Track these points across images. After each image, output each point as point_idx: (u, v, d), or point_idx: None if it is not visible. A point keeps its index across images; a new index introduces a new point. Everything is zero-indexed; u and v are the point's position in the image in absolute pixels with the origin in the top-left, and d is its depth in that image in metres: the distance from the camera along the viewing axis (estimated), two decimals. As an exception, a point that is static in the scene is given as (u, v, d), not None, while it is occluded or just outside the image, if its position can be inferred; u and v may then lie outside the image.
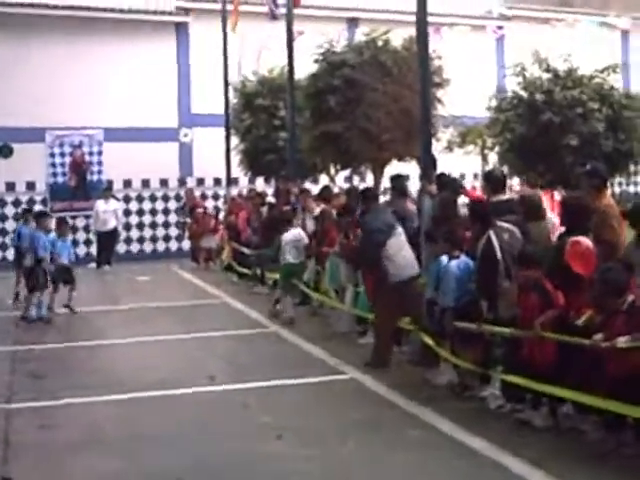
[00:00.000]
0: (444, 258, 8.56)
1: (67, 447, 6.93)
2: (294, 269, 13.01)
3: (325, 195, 14.17)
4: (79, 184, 24.58)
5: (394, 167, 17.53)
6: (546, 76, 18.04)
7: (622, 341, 5.98)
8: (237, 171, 23.57)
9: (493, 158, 20.35)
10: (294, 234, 13.12)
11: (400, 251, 9.55)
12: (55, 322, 13.77)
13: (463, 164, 22.68)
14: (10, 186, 24.35)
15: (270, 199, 18.60)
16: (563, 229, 7.61)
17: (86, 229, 24.27)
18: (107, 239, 21.02)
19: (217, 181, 25.53)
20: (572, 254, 6.67)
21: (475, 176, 25.02)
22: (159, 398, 8.51)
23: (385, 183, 16.26)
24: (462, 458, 6.33)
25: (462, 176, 23.56)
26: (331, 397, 8.41)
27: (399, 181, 11.96)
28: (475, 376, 8.09)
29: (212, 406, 8.24)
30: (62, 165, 24.72)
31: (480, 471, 6.05)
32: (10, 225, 23.61)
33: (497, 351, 7.75)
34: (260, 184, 23.51)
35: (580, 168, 9.88)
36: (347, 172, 20.27)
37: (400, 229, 9.74)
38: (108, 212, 21.37)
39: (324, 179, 20.31)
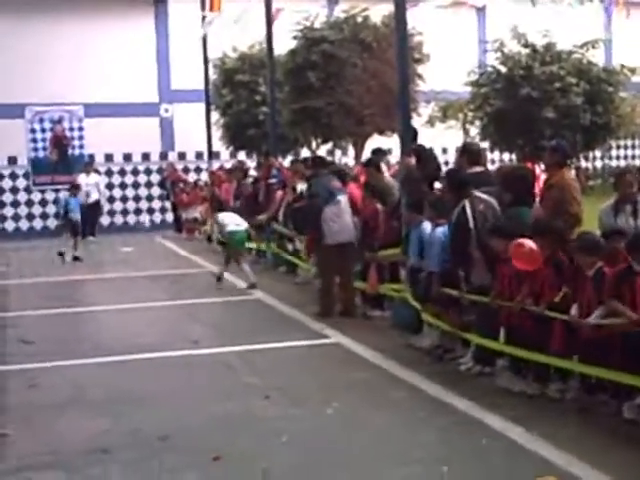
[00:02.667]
0: (426, 226, 8.71)
1: (55, 407, 7.06)
2: (240, 236, 13.48)
3: None
4: (60, 158, 24.69)
5: (375, 141, 17.69)
6: (525, 51, 18.22)
7: (594, 316, 6.19)
8: (219, 145, 23.70)
9: (474, 132, 20.55)
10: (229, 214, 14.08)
11: (337, 217, 10.42)
12: (43, 291, 13.91)
13: (445, 139, 22.85)
14: (-8, 160, 24.36)
15: (253, 173, 18.73)
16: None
17: (55, 202, 24.29)
18: (90, 211, 21.07)
19: (199, 155, 25.63)
20: (516, 255, 6.78)
21: (457, 150, 25.19)
22: (144, 361, 8.64)
23: (366, 156, 16.39)
24: (444, 416, 6.46)
25: (444, 150, 23.77)
26: (316, 360, 8.56)
27: (373, 157, 12.15)
28: (456, 340, 8.27)
29: (197, 368, 8.37)
30: (43, 140, 24.81)
31: (461, 428, 6.17)
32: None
33: (470, 317, 7.93)
34: (242, 158, 23.59)
35: (546, 143, 10.11)
36: (329, 146, 20.39)
37: (342, 197, 10.60)
38: (90, 185, 21.41)
39: (305, 153, 20.43)
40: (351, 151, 20.31)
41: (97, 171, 23.69)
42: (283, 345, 9.10)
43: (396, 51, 10.72)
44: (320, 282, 10.93)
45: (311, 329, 9.95)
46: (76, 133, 25.10)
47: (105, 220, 25.09)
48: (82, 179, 21.70)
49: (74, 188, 19.06)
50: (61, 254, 17.73)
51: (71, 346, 9.43)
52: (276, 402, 6.98)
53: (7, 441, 6.15)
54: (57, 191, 23.74)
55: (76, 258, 17.65)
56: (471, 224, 7.74)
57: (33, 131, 24.76)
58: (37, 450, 5.94)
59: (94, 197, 21.43)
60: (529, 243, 6.75)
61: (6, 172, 24.53)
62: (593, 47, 18.80)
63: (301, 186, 13.69)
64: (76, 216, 18.14)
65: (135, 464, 5.58)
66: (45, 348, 9.34)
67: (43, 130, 24.85)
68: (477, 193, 7.92)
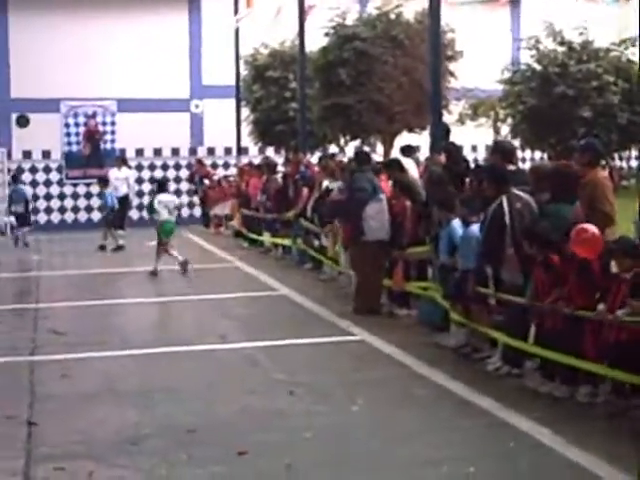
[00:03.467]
0: (457, 224, 8.70)
1: (86, 397, 7.16)
2: (170, 226, 14.82)
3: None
4: (93, 152, 24.93)
5: (404, 138, 17.69)
6: (561, 49, 18.07)
7: (622, 313, 6.17)
8: (247, 141, 23.80)
9: (505, 130, 20.44)
10: (168, 196, 15.34)
11: (378, 215, 10.41)
12: (73, 283, 14.08)
13: (475, 136, 22.76)
14: (27, 154, 24.66)
15: (280, 168, 18.80)
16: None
17: (100, 195, 24.54)
18: (119, 205, 21.25)
19: (227, 150, 25.74)
20: (578, 241, 6.67)
21: (487, 148, 25.11)
22: (172, 354, 8.72)
23: (395, 154, 16.41)
24: (469, 417, 6.44)
25: (474, 148, 23.71)
26: (341, 356, 8.58)
27: (393, 160, 12.17)
28: (484, 339, 8.26)
29: (223, 363, 8.44)
30: (76, 134, 25.07)
31: (488, 428, 6.16)
32: (27, 189, 23.93)
33: (498, 317, 7.92)
34: (270, 154, 23.70)
35: (576, 142, 10.03)
36: (357, 143, 20.41)
37: (383, 196, 10.59)
38: (120, 179, 21.51)
39: (334, 150, 20.47)
40: (380, 148, 20.31)
41: (128, 165, 23.83)
42: (309, 341, 9.15)
43: (429, 48, 10.74)
44: (355, 279, 10.90)
45: (337, 326, 9.98)
46: (108, 128, 25.33)
47: (134, 214, 25.26)
48: (113, 173, 21.83)
49: (102, 182, 19.74)
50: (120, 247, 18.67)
51: (101, 338, 9.54)
52: (301, 398, 7.02)
53: (38, 430, 6.24)
54: (88, 185, 24.00)
55: (119, 247, 18.81)
56: (507, 220, 7.71)
57: (67, 125, 25.03)
58: (67, 440, 6.02)
59: (123, 191, 21.52)
60: (592, 228, 6.62)
61: (40, 166, 24.83)
62: (632, 45, 18.58)
63: (328, 183, 13.77)
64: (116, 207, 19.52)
65: (163, 456, 5.64)
66: (75, 339, 9.47)
67: (77, 125, 25.11)
68: (515, 191, 7.88)
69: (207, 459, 5.62)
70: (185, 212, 25.96)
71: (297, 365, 8.22)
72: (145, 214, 25.34)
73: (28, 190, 21.30)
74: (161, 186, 15.66)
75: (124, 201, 21.55)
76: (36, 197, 24.63)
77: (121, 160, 22.63)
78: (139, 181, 25.32)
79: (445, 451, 5.71)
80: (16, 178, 20.99)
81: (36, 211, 24.62)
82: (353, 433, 6.17)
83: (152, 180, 25.26)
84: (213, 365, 8.37)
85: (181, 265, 14.33)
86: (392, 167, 11.36)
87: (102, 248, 18.90)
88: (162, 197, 15.05)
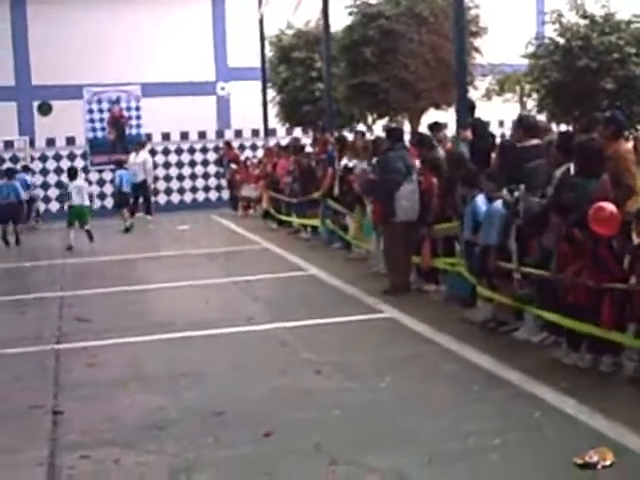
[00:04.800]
0: (480, 200, 8.60)
1: (112, 384, 7.13)
2: (80, 210, 17.06)
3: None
4: (118, 138, 24.96)
5: (431, 115, 17.54)
6: (583, 22, 17.84)
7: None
8: (274, 122, 23.73)
9: (531, 105, 20.23)
10: (79, 182, 17.50)
11: (409, 195, 10.31)
12: (100, 269, 14.12)
13: (502, 112, 22.54)
14: (50, 142, 24.71)
15: (309, 149, 18.72)
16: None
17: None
18: (138, 190, 21.32)
19: (255, 132, 25.71)
20: (595, 220, 6.59)
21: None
22: (199, 338, 8.69)
23: (422, 131, 16.26)
24: (497, 389, 6.43)
25: (501, 123, 23.48)
26: (369, 334, 8.52)
27: (424, 136, 12.02)
28: (511, 312, 8.20)
29: (251, 344, 8.41)
30: (101, 120, 25.10)
31: (515, 401, 6.14)
32: (52, 178, 24.10)
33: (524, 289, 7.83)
34: (298, 135, 23.62)
35: (599, 114, 9.86)
36: (384, 121, 20.26)
37: (415, 176, 10.48)
38: (137, 164, 21.54)
39: (361, 129, 20.32)
40: (407, 126, 20.15)
41: (151, 150, 23.90)
42: (337, 320, 9.10)
43: (453, 24, 10.58)
44: (386, 258, 10.80)
45: (365, 304, 9.92)
46: (133, 113, 25.35)
47: (162, 199, 25.43)
48: (131, 158, 21.84)
49: (116, 164, 20.86)
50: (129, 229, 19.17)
51: (127, 324, 9.53)
52: (330, 376, 6.98)
53: (64, 418, 6.23)
54: (114, 171, 24.04)
55: (126, 229, 19.63)
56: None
57: (91, 111, 25.05)
58: (93, 427, 5.99)
59: (140, 177, 21.55)
60: (609, 207, 6.55)
61: (64, 152, 24.90)
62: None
63: (347, 161, 13.68)
64: (125, 188, 20.41)
65: (190, 440, 5.60)
66: (101, 326, 9.45)
67: (101, 110, 25.13)
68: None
69: (235, 441, 5.58)
70: (213, 195, 26.02)
71: (326, 344, 8.18)
72: (174, 198, 25.62)
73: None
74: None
75: (142, 186, 21.57)
76: (61, 184, 24.71)
77: (140, 145, 22.66)
78: (166, 165, 25.38)
79: (472, 424, 5.67)
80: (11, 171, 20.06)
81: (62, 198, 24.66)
82: (382, 410, 6.14)
83: (179, 164, 25.39)
84: (241, 347, 8.33)
85: (68, 247, 16.50)
86: (421, 144, 11.26)
87: (127, 230, 19.62)
88: (75, 182, 17.13)
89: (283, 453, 5.34)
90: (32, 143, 24.39)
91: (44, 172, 24.68)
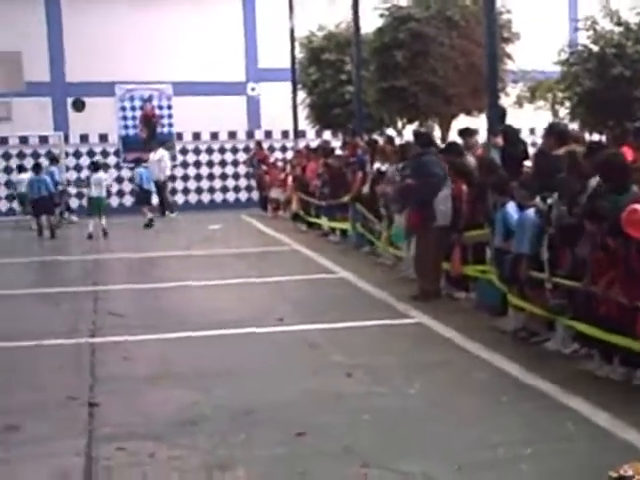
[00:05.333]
0: (511, 207, 8.61)
1: (145, 379, 7.24)
2: (99, 201, 18.91)
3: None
4: (150, 136, 25.14)
5: (461, 121, 17.55)
6: (617, 29, 17.76)
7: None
8: (304, 124, 23.81)
9: (564, 113, 20.17)
10: (100, 175, 19.27)
11: (444, 200, 10.30)
12: (132, 266, 14.28)
13: (534, 119, 22.49)
14: (84, 138, 24.97)
15: (338, 152, 18.80)
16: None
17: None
18: (158, 188, 21.54)
19: (285, 134, 25.81)
20: (629, 221, 6.55)
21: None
22: (230, 337, 8.79)
23: (452, 137, 16.29)
24: (528, 400, 6.40)
25: (532, 131, 23.43)
26: (399, 339, 8.57)
27: (453, 144, 12.05)
28: (542, 322, 8.20)
29: (281, 345, 8.47)
30: (133, 118, 25.32)
31: (546, 412, 6.11)
32: (85, 174, 24.30)
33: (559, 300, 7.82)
34: (327, 137, 23.73)
35: (631, 125, 9.85)
36: (414, 126, 20.28)
37: (449, 182, 10.45)
38: (153, 163, 21.68)
39: (391, 133, 20.37)
40: (437, 131, 20.16)
41: (182, 149, 24.10)
42: (367, 324, 9.15)
43: (484, 29, 10.62)
44: (420, 264, 10.74)
45: (395, 309, 9.97)
46: (165, 111, 25.55)
47: (192, 198, 25.63)
48: (151, 156, 21.99)
49: (136, 162, 21.46)
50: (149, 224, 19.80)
51: (159, 320, 9.67)
52: (359, 380, 7.02)
53: (99, 410, 6.35)
54: (133, 168, 24.20)
55: (147, 224, 20.34)
56: None
57: (123, 109, 25.30)
58: (128, 420, 6.11)
59: (156, 175, 21.68)
60: None
61: (97, 149, 25.16)
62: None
63: (379, 165, 13.73)
64: (146, 186, 21.13)
65: (222, 436, 5.69)
66: (134, 321, 9.60)
67: (133, 108, 25.36)
68: None
69: (266, 440, 5.65)
70: (243, 195, 26.16)
71: (355, 347, 8.23)
72: (204, 197, 25.78)
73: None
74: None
75: (158, 185, 21.72)
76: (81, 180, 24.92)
77: (159, 143, 22.85)
78: (197, 165, 25.57)
79: (502, 433, 5.68)
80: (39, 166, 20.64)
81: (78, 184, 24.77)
82: (411, 415, 6.18)
83: (210, 164, 25.57)
84: (271, 347, 8.41)
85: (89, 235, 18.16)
86: (450, 151, 11.30)
87: (147, 226, 20.35)
88: (95, 175, 19.00)
89: (315, 454, 5.40)
90: (66, 139, 24.65)
91: (78, 168, 24.94)
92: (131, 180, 24.21)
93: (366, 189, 14.33)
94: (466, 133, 12.56)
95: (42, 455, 5.47)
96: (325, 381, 7.04)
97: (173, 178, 25.42)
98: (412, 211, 10.83)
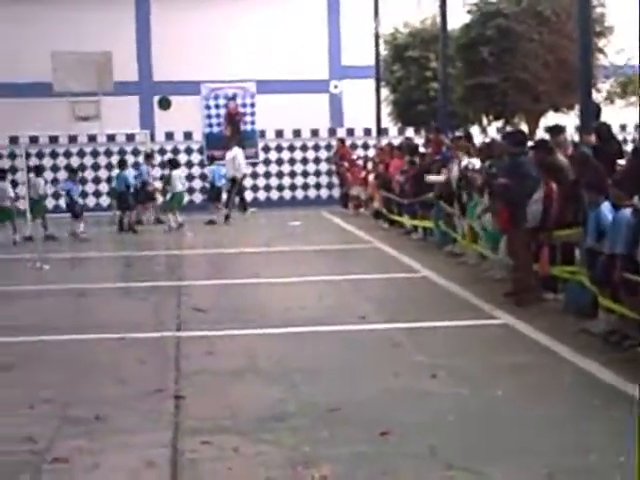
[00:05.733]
0: (605, 207, 8.37)
1: (230, 373, 7.28)
2: (181, 196, 20.41)
3: None
4: (233, 134, 25.36)
5: (549, 118, 17.25)
6: None
7: None
8: (386, 122, 23.73)
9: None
10: (180, 172, 20.60)
11: (537, 202, 10.00)
12: (214, 262, 14.40)
13: (625, 116, 21.96)
14: (169, 136, 25.33)
15: (421, 149, 18.65)
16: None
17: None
18: (231, 185, 21.68)
19: (367, 131, 25.76)
20: None
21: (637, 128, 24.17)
22: (312, 334, 8.77)
23: (540, 134, 16.03)
24: (620, 406, 6.18)
25: (623, 127, 22.89)
26: (484, 340, 8.43)
27: (541, 141, 11.79)
28: (635, 325, 7.94)
29: (364, 344, 8.42)
30: (217, 116, 25.59)
31: (640, 420, 5.95)
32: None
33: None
34: (410, 135, 23.60)
35: None
36: (499, 123, 20.02)
37: (542, 184, 10.13)
38: (228, 161, 21.81)
39: (475, 130, 20.13)
40: (523, 128, 19.84)
41: (264, 146, 24.25)
42: (451, 324, 9.03)
43: (578, 23, 10.36)
44: (515, 265, 10.46)
45: (479, 309, 9.82)
46: (248, 109, 25.74)
47: (274, 195, 25.78)
48: (227, 155, 22.05)
49: (210, 159, 21.88)
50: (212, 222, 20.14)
51: (242, 316, 9.70)
52: (444, 381, 6.93)
53: (184, 404, 6.39)
54: (206, 166, 24.38)
55: (210, 221, 20.69)
56: None
57: (208, 107, 25.60)
58: (213, 414, 6.13)
59: (230, 173, 21.80)
60: None
61: (182, 147, 25.50)
62: None
63: (467, 162, 13.56)
64: (218, 183, 21.47)
65: (306, 434, 5.67)
66: (218, 317, 9.67)
67: (217, 106, 25.64)
68: None
69: (350, 438, 5.60)
70: (324, 193, 26.19)
71: (439, 348, 8.13)
72: (286, 194, 25.91)
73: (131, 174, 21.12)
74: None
75: (233, 182, 21.84)
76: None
77: (235, 141, 23.02)
78: (279, 162, 25.72)
79: (594, 440, 5.51)
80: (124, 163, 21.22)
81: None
82: (498, 418, 6.05)
83: (292, 161, 25.68)
84: (354, 345, 8.36)
85: (179, 225, 19.57)
86: (539, 148, 11.03)
87: (211, 222, 20.66)
88: (176, 172, 20.23)
89: (398, 454, 5.33)
90: (152, 137, 25.03)
91: (163, 165, 25.31)
92: (203, 178, 24.46)
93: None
94: (554, 131, 12.27)
95: (128, 446, 5.52)
96: (409, 381, 6.96)
97: (253, 176, 25.63)
98: (502, 211, 10.58)
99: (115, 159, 24.94)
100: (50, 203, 22.12)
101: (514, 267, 10.50)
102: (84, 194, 24.09)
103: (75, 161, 24.92)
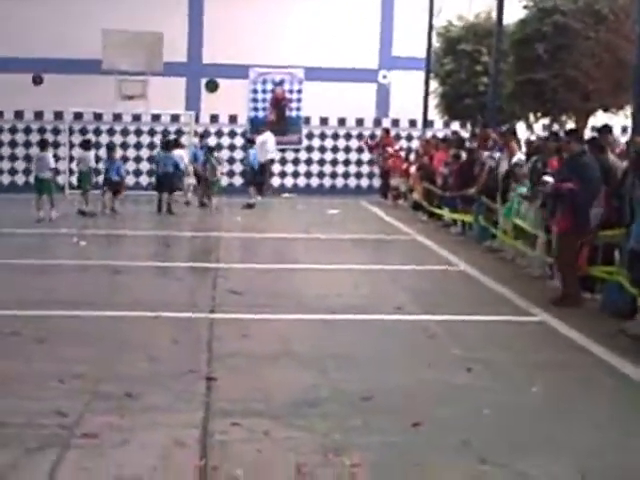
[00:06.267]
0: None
1: (263, 357, 7.26)
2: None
3: None
4: (278, 119, 25.35)
5: (598, 118, 17.05)
6: None
7: None
8: (432, 114, 23.57)
9: None
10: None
11: (597, 204, 9.70)
12: (251, 245, 14.41)
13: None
14: (214, 118, 25.38)
15: (467, 144, 18.49)
16: None
17: (282, 161, 25.22)
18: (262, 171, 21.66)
19: (412, 123, 25.59)
20: None
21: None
22: (347, 321, 8.74)
23: (588, 133, 15.83)
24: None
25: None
26: (521, 337, 8.36)
27: (594, 139, 11.58)
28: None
29: (400, 334, 8.40)
30: (263, 101, 25.55)
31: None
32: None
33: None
34: (455, 128, 23.46)
35: None
36: (546, 120, 19.82)
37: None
38: (258, 145, 21.74)
39: (521, 127, 19.94)
40: (569, 126, 19.63)
41: (308, 133, 24.23)
42: (487, 319, 8.97)
43: (637, 23, 10.18)
44: (566, 269, 10.01)
45: (516, 305, 9.74)
46: (295, 95, 25.69)
47: (314, 182, 25.73)
48: (257, 139, 21.94)
49: (249, 142, 21.30)
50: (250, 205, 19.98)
51: (277, 300, 9.68)
52: (479, 375, 6.88)
53: (217, 385, 6.39)
54: (245, 149, 24.32)
55: (248, 205, 20.33)
56: None
57: (255, 92, 25.57)
58: (245, 397, 6.12)
59: (263, 156, 21.72)
60: None
61: (226, 130, 25.53)
62: None
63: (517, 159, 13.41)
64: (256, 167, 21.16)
65: (338, 421, 5.64)
66: (253, 300, 9.64)
67: (264, 91, 25.61)
68: None
69: (382, 427, 5.58)
70: (364, 182, 26.10)
71: (475, 341, 8.06)
72: (326, 182, 25.87)
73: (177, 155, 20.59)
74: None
75: (265, 166, 21.79)
76: (219, 160, 25.27)
77: (264, 126, 23.01)
78: (322, 149, 25.68)
79: (632, 440, 5.48)
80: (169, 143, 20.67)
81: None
82: (533, 414, 6.01)
83: (334, 149, 25.63)
84: (389, 335, 8.34)
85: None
86: (592, 147, 10.82)
87: (249, 206, 20.36)
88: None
89: (431, 446, 5.30)
90: (197, 118, 25.11)
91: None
92: (242, 161, 24.47)
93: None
94: (604, 130, 12.11)
95: (158, 424, 5.52)
96: (443, 373, 6.91)
97: (294, 162, 25.64)
98: (566, 215, 9.94)
99: (159, 139, 25.08)
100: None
101: (563, 277, 10.06)
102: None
103: (118, 139, 25.03)
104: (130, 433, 5.33)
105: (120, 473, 4.74)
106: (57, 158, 21.26)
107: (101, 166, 20.73)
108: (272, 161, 22.99)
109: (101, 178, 19.69)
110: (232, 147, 25.61)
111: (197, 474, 4.76)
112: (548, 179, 10.51)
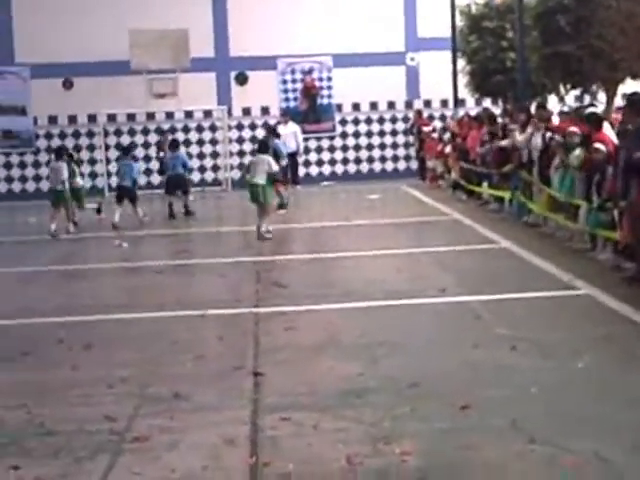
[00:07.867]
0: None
1: (310, 349, 7.28)
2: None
3: None
4: (310, 108, 25.43)
5: (628, 86, 16.88)
6: None
7: None
8: (464, 93, 23.46)
9: None
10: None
11: None
12: (293, 236, 14.47)
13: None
14: (246, 111, 25.47)
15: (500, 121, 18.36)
16: None
17: (317, 150, 25.25)
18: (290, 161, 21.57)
19: (444, 103, 25.50)
20: None
21: None
22: (392, 307, 8.74)
23: (618, 102, 15.70)
24: None
25: None
26: (565, 311, 8.31)
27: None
28: None
29: (445, 316, 8.39)
30: (293, 91, 25.60)
31: None
32: (247, 146, 24.85)
33: None
34: (487, 105, 23.30)
35: None
36: (577, 92, 19.65)
37: None
38: (288, 135, 21.63)
39: (553, 99, 19.77)
40: (600, 96, 19.43)
41: (341, 120, 24.21)
42: (531, 295, 8.92)
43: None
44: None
45: (559, 280, 9.67)
46: (325, 83, 25.71)
47: (351, 168, 25.75)
48: (281, 130, 21.75)
49: (273, 133, 18.72)
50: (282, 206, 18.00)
51: (322, 290, 9.74)
52: (525, 353, 6.85)
53: (264, 380, 6.44)
54: (306, 140, 24.39)
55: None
56: None
57: (284, 82, 25.63)
58: (293, 390, 6.16)
59: (292, 146, 21.66)
60: None
61: (259, 122, 25.58)
62: None
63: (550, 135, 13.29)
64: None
65: (386, 409, 5.65)
66: (297, 292, 9.70)
67: (294, 81, 25.66)
68: None
69: (431, 413, 5.58)
70: (402, 165, 26.06)
71: (520, 320, 8.03)
72: (363, 168, 25.83)
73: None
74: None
75: (293, 157, 21.72)
76: (242, 153, 25.28)
77: (287, 117, 22.93)
78: (356, 135, 25.69)
79: (682, 416, 5.39)
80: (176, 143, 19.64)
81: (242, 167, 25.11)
82: (580, 392, 5.96)
83: (368, 134, 25.56)
84: (434, 318, 8.34)
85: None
86: (632, 107, 10.53)
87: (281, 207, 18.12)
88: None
89: (480, 428, 5.29)
90: (229, 112, 25.21)
91: (240, 140, 25.50)
92: (306, 151, 24.52)
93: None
94: (636, 96, 11.92)
95: (208, 423, 5.56)
96: (490, 354, 6.89)
97: (330, 149, 25.64)
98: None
99: (193, 136, 25.23)
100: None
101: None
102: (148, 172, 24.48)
103: (153, 138, 25.18)
104: (180, 434, 5.37)
105: (172, 475, 4.77)
106: (93, 161, 21.44)
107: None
108: (297, 152, 22.81)
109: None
110: (253, 140, 25.59)
111: (248, 471, 4.79)
112: (600, 147, 10.42)
